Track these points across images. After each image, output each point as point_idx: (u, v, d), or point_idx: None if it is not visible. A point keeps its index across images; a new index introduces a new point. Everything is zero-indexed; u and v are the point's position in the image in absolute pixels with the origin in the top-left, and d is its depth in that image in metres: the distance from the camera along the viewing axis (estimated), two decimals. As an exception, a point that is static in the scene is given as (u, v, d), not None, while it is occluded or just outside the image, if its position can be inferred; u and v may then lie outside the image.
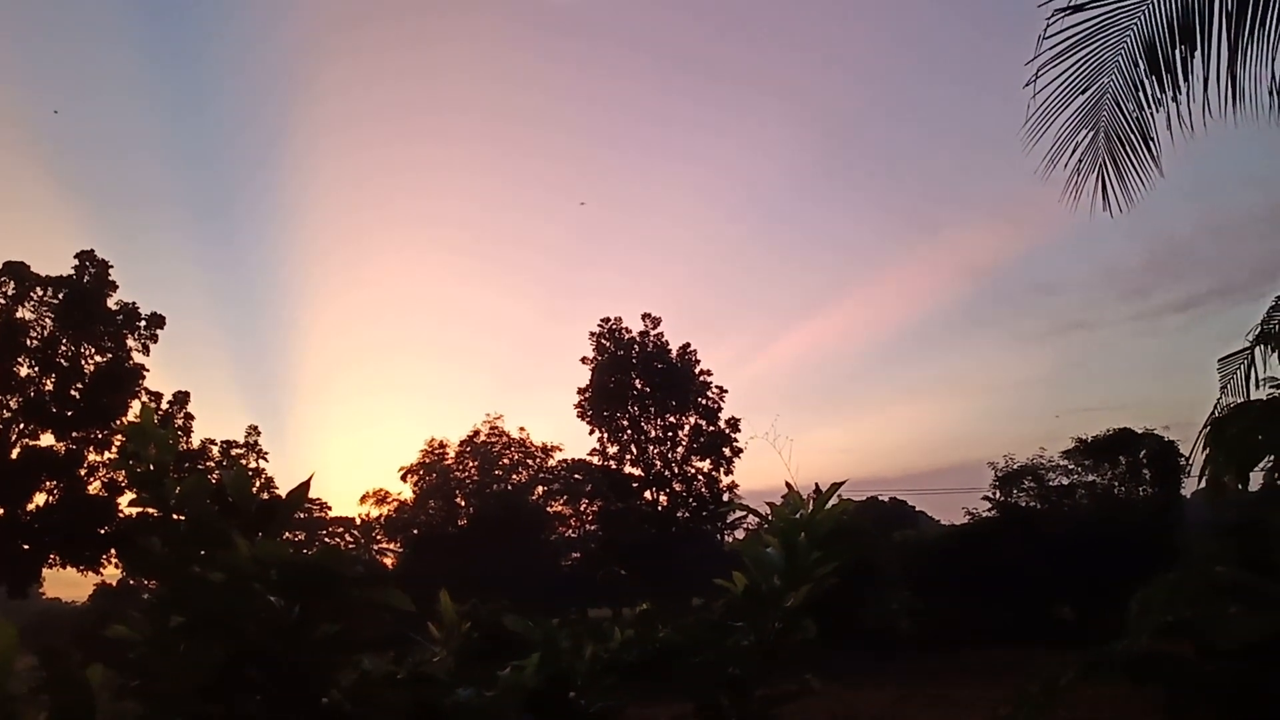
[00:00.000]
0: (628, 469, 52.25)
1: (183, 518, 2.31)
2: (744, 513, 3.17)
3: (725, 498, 50.34)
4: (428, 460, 67.45)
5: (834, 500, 2.74)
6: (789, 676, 2.61)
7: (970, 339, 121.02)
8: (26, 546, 36.12)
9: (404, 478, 67.61)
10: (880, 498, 70.68)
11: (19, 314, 37.31)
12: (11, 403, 36.96)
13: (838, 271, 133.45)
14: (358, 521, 69.89)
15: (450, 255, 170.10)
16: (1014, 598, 27.13)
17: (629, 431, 52.23)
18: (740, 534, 41.65)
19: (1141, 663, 3.84)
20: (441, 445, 67.71)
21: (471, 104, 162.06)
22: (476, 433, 67.68)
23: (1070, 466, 33.03)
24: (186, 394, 40.42)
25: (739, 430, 52.57)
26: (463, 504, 66.71)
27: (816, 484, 2.83)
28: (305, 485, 2.34)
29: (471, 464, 67.52)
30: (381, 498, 68.63)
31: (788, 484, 2.86)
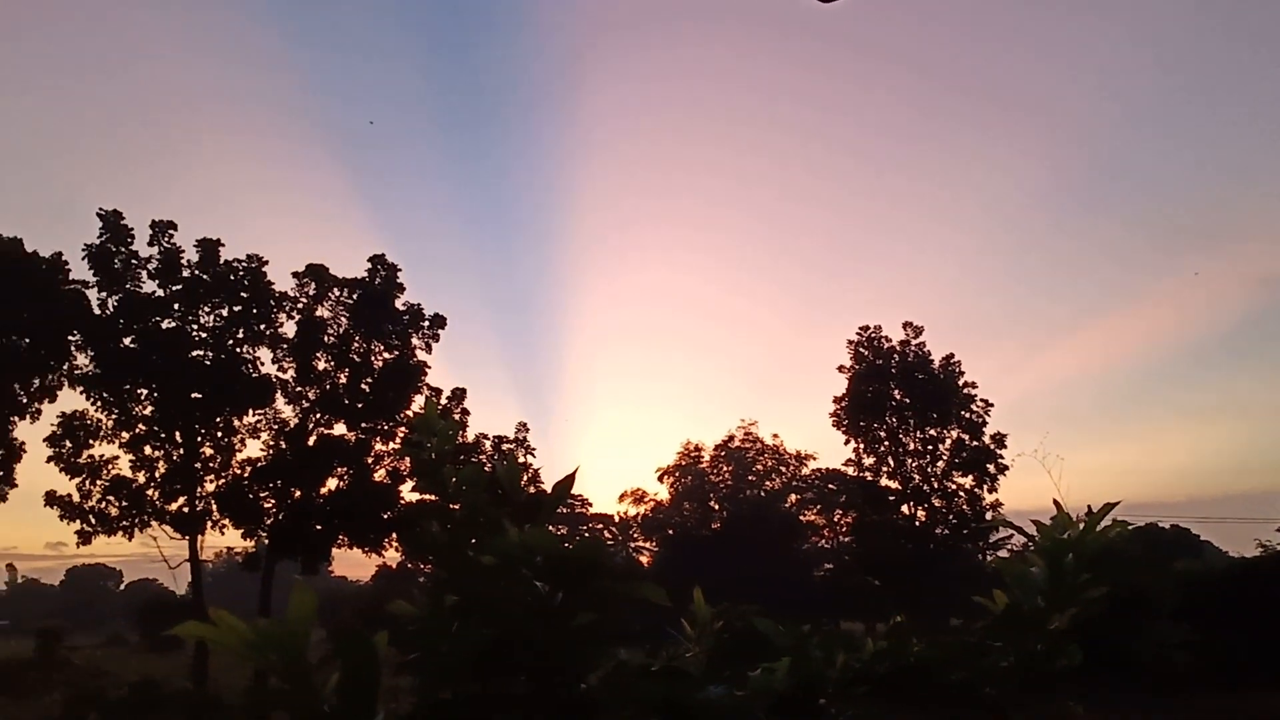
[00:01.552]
0: (884, 481, 50.99)
1: (459, 505, 2.47)
2: (1008, 532, 3.05)
3: (988, 516, 48.21)
4: (684, 463, 68.57)
5: (1106, 521, 2.59)
6: (1049, 702, 2.49)
7: (1259, 357, 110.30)
8: (319, 527, 39.28)
9: (661, 479, 69.14)
10: (1160, 524, 65.74)
11: (318, 312, 40.75)
12: (310, 394, 40.38)
13: (1109, 285, 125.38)
14: (616, 519, 71.94)
15: (713, 261, 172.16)
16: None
17: (886, 443, 50.98)
18: (1004, 555, 39.79)
19: None
20: (697, 448, 68.71)
21: (742, 112, 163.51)
22: (731, 438, 68.24)
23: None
24: (463, 391, 42.90)
25: (1004, 446, 50.29)
26: (716, 507, 67.33)
27: (1089, 506, 2.69)
28: (570, 478, 2.44)
29: (726, 468, 68.06)
30: (639, 497, 70.48)
31: (1056, 503, 2.73)
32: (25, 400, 37.26)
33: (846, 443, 52.07)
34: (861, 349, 52.43)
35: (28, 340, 37.12)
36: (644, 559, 66.53)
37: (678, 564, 55.79)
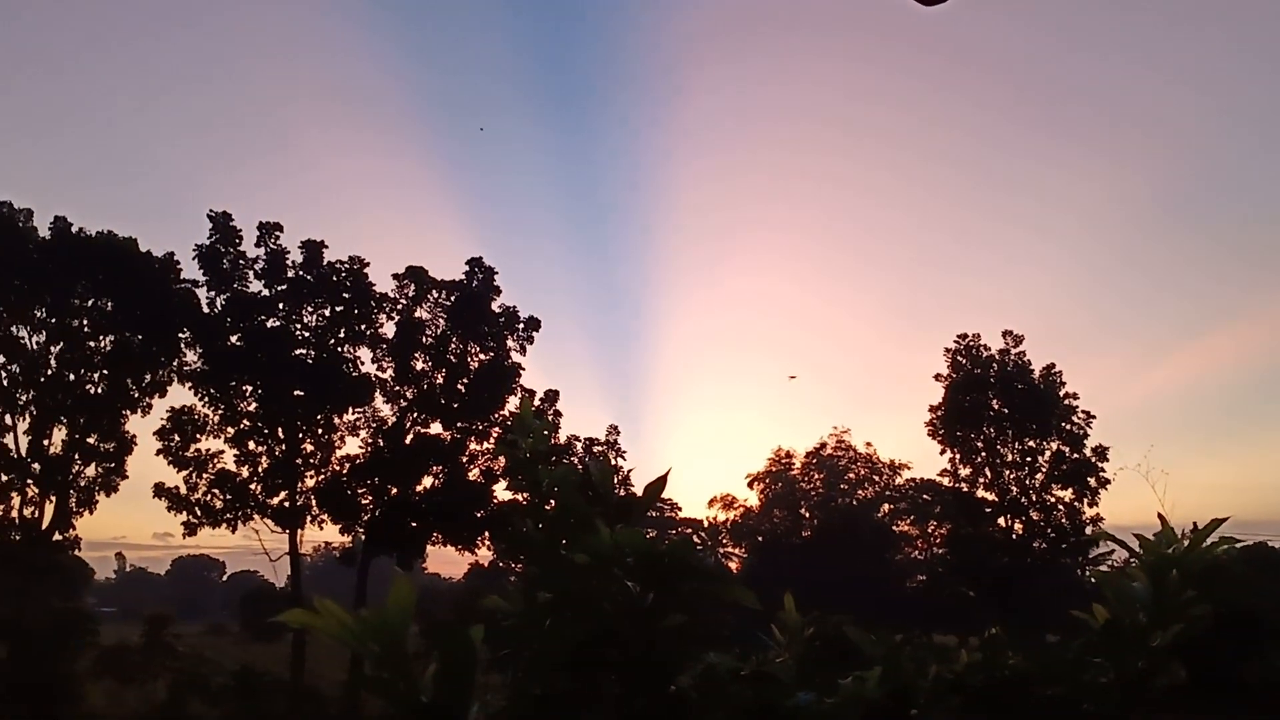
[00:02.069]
0: (980, 493, 49.89)
1: (552, 504, 2.51)
2: (1108, 547, 2.97)
3: (1088, 530, 46.85)
4: (774, 469, 68.09)
5: (1213, 538, 2.51)
6: (1151, 721, 2.42)
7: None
8: (414, 524, 40.03)
9: (751, 484, 68.72)
10: (1270, 543, 63.01)
11: (417, 314, 41.57)
12: (408, 393, 41.20)
13: (1216, 297, 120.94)
14: (705, 524, 71.70)
15: (806, 266, 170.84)
16: None
17: (983, 454, 49.88)
18: (1104, 570, 38.61)
19: None
20: (788, 455, 68.17)
21: (837, 119, 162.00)
22: (823, 445, 67.52)
23: None
24: (556, 392, 43.31)
25: (1106, 460, 48.79)
26: (807, 515, 66.73)
27: (1194, 522, 2.61)
28: (662, 480, 2.46)
29: (817, 476, 67.39)
30: (729, 503, 70.14)
31: (1161, 517, 2.66)
32: (137, 395, 38.77)
33: (942, 453, 51.08)
34: (959, 357, 51.37)
35: (140, 337, 38.62)
36: (733, 565, 66.23)
37: (767, 571, 55.46)
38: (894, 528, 66.30)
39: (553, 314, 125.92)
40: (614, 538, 2.15)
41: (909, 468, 66.46)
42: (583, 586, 2.23)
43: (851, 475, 68.02)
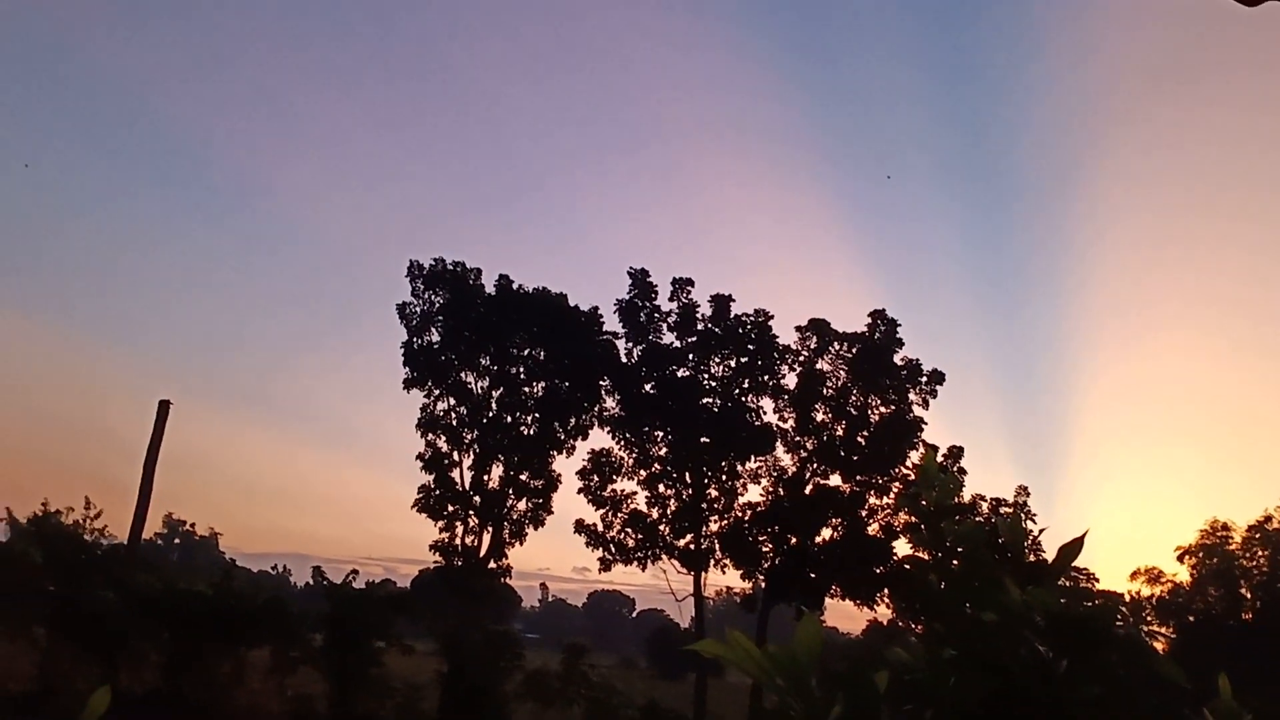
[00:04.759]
0: None
1: (957, 560, 2.47)
2: None
3: None
4: (1208, 542, 61.26)
5: None
6: None
7: None
8: (813, 575, 40.08)
9: (1180, 559, 62.26)
10: None
11: (819, 365, 41.89)
12: (808, 444, 41.50)
13: None
14: (1126, 598, 65.67)
15: (1235, 333, 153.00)
16: None
17: None
18: None
19: None
20: (1224, 527, 61.07)
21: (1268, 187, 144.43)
22: (1268, 518, 59.82)
23: None
24: (960, 449, 41.76)
25: None
26: (1248, 595, 59.33)
27: None
28: (1079, 542, 2.35)
29: (1261, 552, 59.80)
30: (1154, 577, 63.82)
31: None
32: (563, 437, 42.08)
33: None
34: None
35: (567, 384, 42.02)
36: (1158, 645, 59.93)
37: (1197, 653, 49.75)
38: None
39: (957, 368, 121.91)
40: (1025, 597, 2.09)
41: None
42: (990, 646, 2.18)
43: (1306, 554, 59.61)
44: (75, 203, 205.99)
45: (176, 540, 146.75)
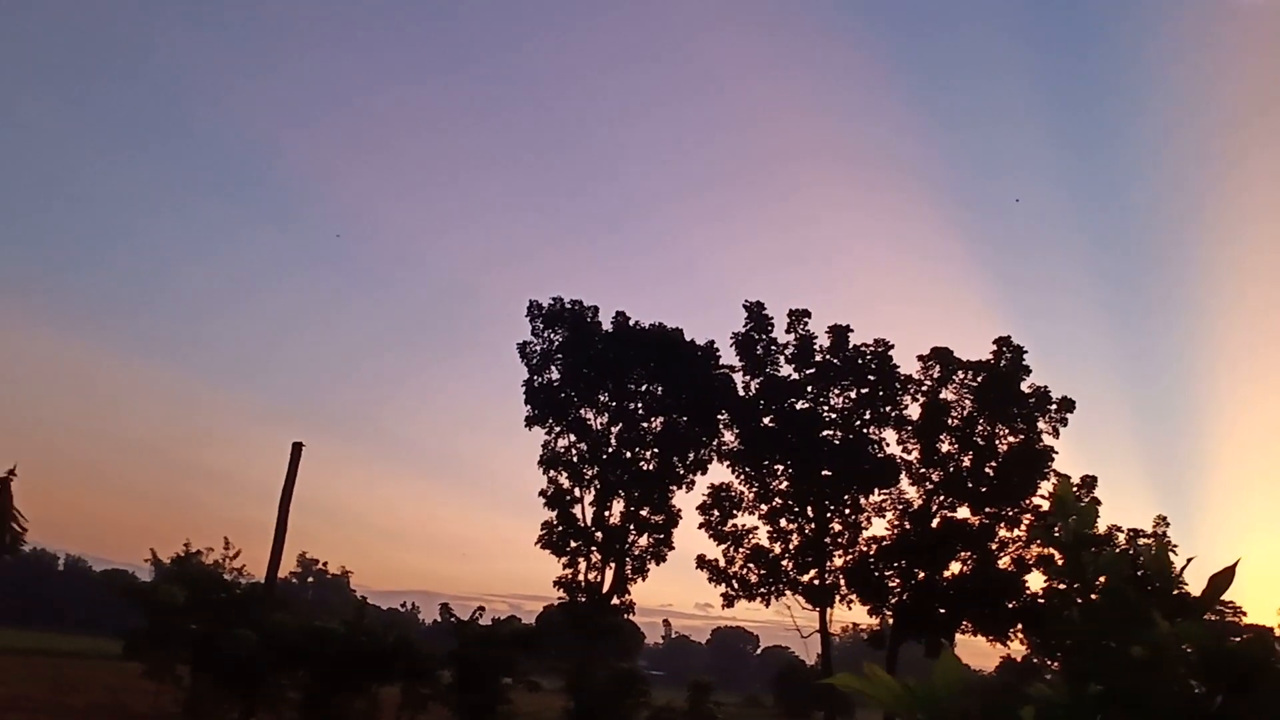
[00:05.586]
0: None
1: (1097, 593, 2.39)
2: None
3: None
4: (1372, 574, 57.67)
5: None
6: None
7: None
8: (943, 610, 39.05)
9: (1339, 591, 58.78)
10: None
11: (943, 395, 40.99)
12: (934, 475, 40.59)
13: None
14: (1277, 633, 62.17)
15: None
16: None
17: None
18: None
19: None
20: (1391, 558, 57.46)
21: None
22: None
23: None
24: (1094, 478, 40.26)
25: None
26: None
27: None
28: (1230, 571, 2.24)
29: None
30: (1310, 611, 60.38)
31: None
32: (682, 471, 42.09)
33: None
34: None
35: (685, 418, 42.06)
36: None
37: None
38: None
39: (1088, 396, 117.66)
40: (1175, 631, 2.02)
41: None
42: (1138, 682, 2.10)
43: None
44: (199, 249, 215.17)
45: (310, 579, 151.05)
